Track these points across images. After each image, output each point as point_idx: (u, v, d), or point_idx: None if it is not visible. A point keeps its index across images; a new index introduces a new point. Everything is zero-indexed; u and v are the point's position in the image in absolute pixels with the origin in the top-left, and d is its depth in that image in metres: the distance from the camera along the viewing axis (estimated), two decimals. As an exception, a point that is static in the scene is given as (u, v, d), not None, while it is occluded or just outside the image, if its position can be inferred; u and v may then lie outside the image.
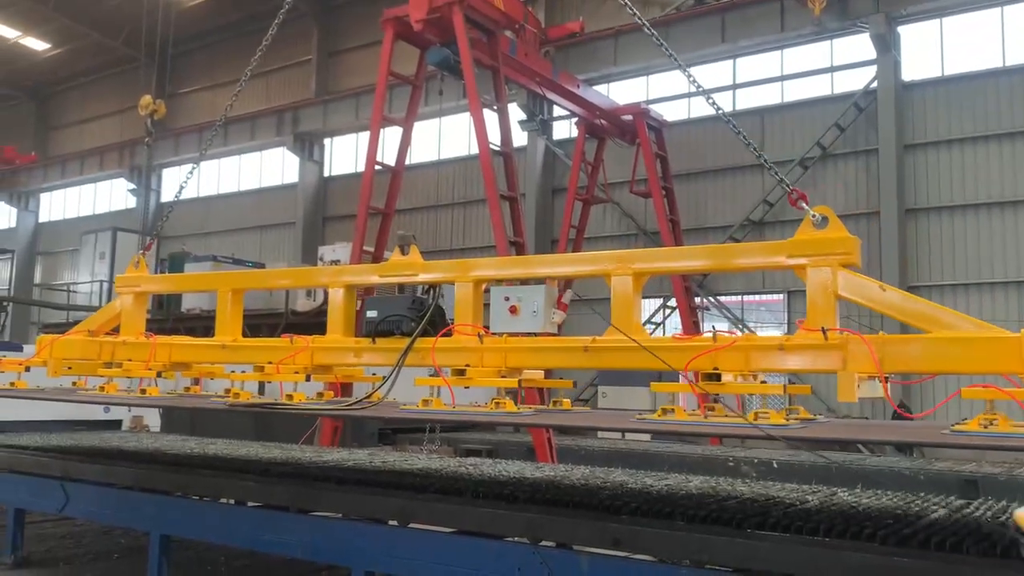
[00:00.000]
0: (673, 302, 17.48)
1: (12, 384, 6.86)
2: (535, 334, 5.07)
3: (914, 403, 13.88)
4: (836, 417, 15.30)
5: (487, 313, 5.31)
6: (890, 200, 16.16)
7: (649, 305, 19.04)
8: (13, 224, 33.52)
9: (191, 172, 7.73)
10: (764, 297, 17.88)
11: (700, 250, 5.40)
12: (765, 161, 5.35)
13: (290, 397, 5.50)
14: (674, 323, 17.91)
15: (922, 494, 5.32)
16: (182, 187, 7.80)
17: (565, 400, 5.49)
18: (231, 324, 6.15)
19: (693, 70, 19.57)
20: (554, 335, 5.15)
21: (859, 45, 17.31)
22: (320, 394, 5.62)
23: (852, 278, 4.25)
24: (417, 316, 5.26)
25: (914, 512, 4.43)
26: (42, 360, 6.61)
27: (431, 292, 5.49)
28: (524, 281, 5.69)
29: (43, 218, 33.80)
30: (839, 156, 17.20)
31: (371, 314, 5.41)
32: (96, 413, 11.43)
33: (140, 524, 7.08)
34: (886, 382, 4.08)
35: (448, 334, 5.19)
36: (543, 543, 4.94)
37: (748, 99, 18.69)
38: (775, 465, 10.84)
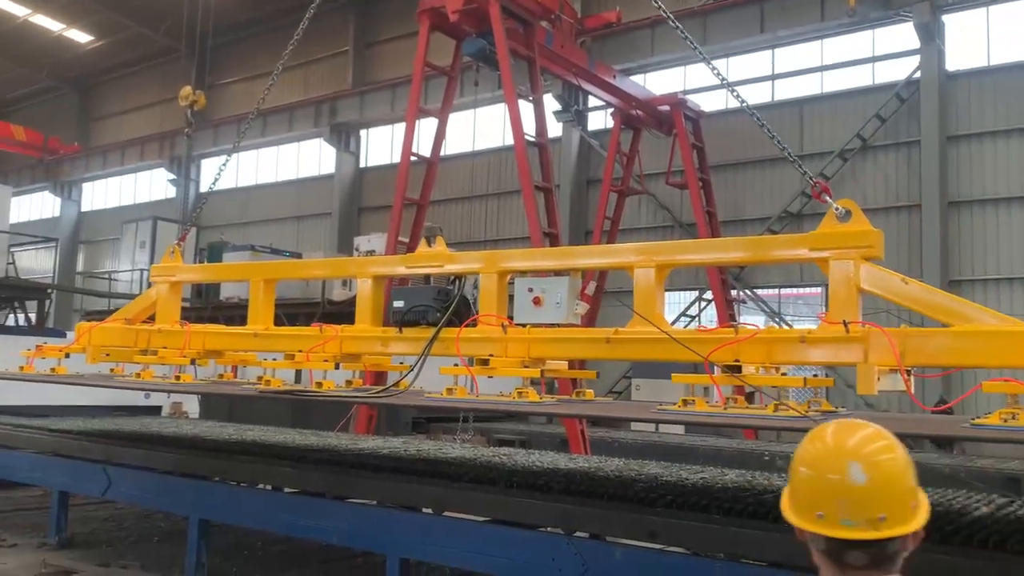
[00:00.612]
0: (709, 295, 17.35)
1: (53, 370, 7.02)
2: (558, 325, 5.10)
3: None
4: (874, 412, 15.08)
5: (511, 305, 5.33)
6: (932, 193, 15.86)
7: (684, 297, 18.92)
8: (57, 214, 34.18)
9: (225, 163, 7.88)
10: (802, 290, 17.68)
11: (723, 242, 5.40)
12: (789, 154, 5.33)
13: (320, 385, 5.59)
14: (709, 316, 17.77)
15: (963, 491, 5.25)
16: (216, 178, 7.93)
17: (588, 391, 5.52)
18: (263, 313, 6.28)
19: (731, 60, 19.36)
20: (577, 326, 5.16)
21: (902, 34, 16.98)
22: (349, 382, 5.70)
23: (874, 271, 4.25)
24: (443, 306, 5.33)
25: (956, 509, 4.36)
26: (81, 347, 6.77)
27: (456, 283, 5.53)
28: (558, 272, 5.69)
29: (85, 207, 34.43)
30: (879, 148, 16.92)
31: (397, 304, 5.50)
32: (136, 399, 11.64)
33: (179, 508, 7.21)
34: (908, 375, 4.06)
35: (473, 324, 5.24)
36: (577, 534, 4.96)
37: (787, 90, 18.44)
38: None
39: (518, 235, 20.39)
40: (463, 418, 12.45)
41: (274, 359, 6.10)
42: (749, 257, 5.37)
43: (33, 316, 16.92)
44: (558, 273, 5.25)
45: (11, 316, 16.91)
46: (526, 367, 4.99)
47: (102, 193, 33.99)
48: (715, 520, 4.50)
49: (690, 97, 17.19)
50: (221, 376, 6.75)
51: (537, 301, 5.05)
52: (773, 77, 18.63)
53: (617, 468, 6.16)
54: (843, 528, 1.68)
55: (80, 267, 33.03)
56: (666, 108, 16.50)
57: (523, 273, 5.30)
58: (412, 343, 5.41)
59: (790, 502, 1.81)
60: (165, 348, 6.45)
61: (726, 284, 16.36)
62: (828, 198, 4.47)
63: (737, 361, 4.32)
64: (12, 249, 17.96)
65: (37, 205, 36.23)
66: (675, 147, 16.80)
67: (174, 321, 6.73)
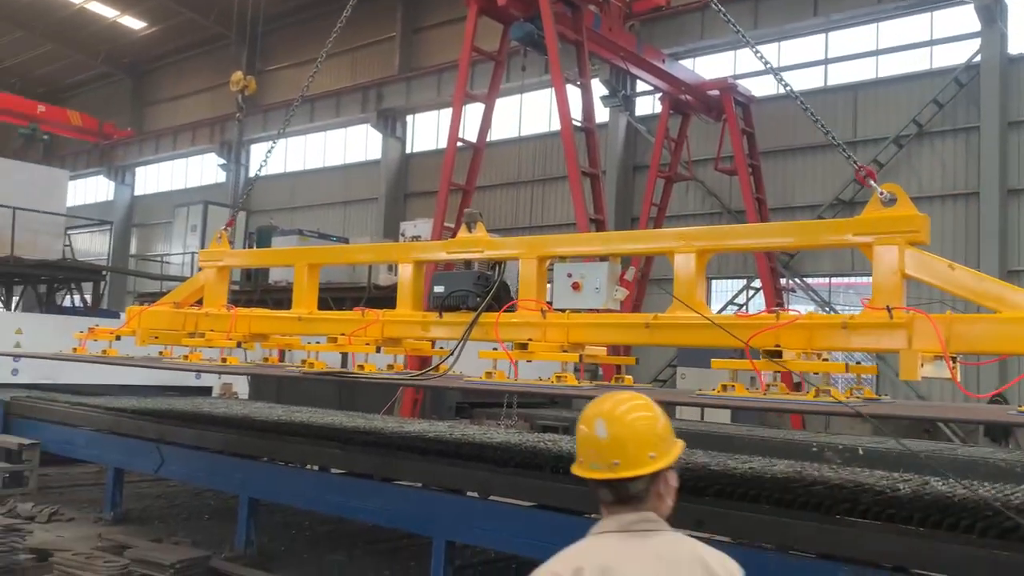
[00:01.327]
0: (757, 283, 17.13)
1: (104, 352, 7.20)
2: (598, 311, 5.08)
3: (985, 386, 13.21)
4: (919, 401, 14.77)
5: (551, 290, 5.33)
6: (991, 180, 15.38)
7: (732, 286, 18.69)
8: (111, 197, 34.97)
9: (271, 148, 8.00)
10: (853, 279, 17.33)
11: (764, 227, 5.34)
12: (833, 138, 5.24)
13: (361, 367, 5.68)
14: (758, 305, 17.53)
15: (1022, 486, 5.12)
16: (263, 163, 8.06)
17: (627, 377, 5.51)
18: (307, 297, 6.39)
19: (783, 44, 18.95)
20: (617, 312, 5.14)
21: (961, 17, 16.48)
22: (390, 367, 5.76)
23: (919, 256, 4.16)
24: (482, 291, 5.35)
25: (1015, 505, 4.24)
26: (131, 330, 6.93)
27: (496, 268, 5.55)
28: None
29: (138, 192, 35.14)
30: (936, 134, 16.46)
31: (438, 289, 5.54)
32: (187, 379, 11.89)
33: (229, 487, 7.35)
34: (954, 362, 3.97)
35: (512, 309, 5.25)
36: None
37: (840, 75, 18.02)
38: (861, 452, 10.51)
39: (564, 221, 20.33)
40: (506, 404, 12.46)
41: (317, 343, 6.19)
42: (791, 242, 5.35)
43: (89, 297, 17.34)
44: (601, 259, 5.23)
45: (68, 297, 17.37)
46: (565, 352, 5.00)
47: (154, 177, 34.66)
48: (764, 510, 4.46)
49: (740, 82, 16.92)
50: (267, 359, 6.87)
51: (576, 286, 5.05)
52: (826, 62, 18.23)
53: (663, 455, 6.12)
54: (591, 470, 2.13)
55: (133, 250, 33.77)
56: (716, 93, 16.29)
57: (563, 258, 5.28)
58: (452, 327, 5.44)
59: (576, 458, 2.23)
60: (212, 331, 6.59)
61: (775, 272, 16.13)
62: (873, 182, 4.42)
63: (778, 346, 4.26)
64: (68, 232, 18.40)
65: (92, 189, 37.10)
66: (724, 132, 16.57)
67: (221, 305, 6.88)
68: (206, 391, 12.21)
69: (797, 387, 4.77)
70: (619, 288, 5.09)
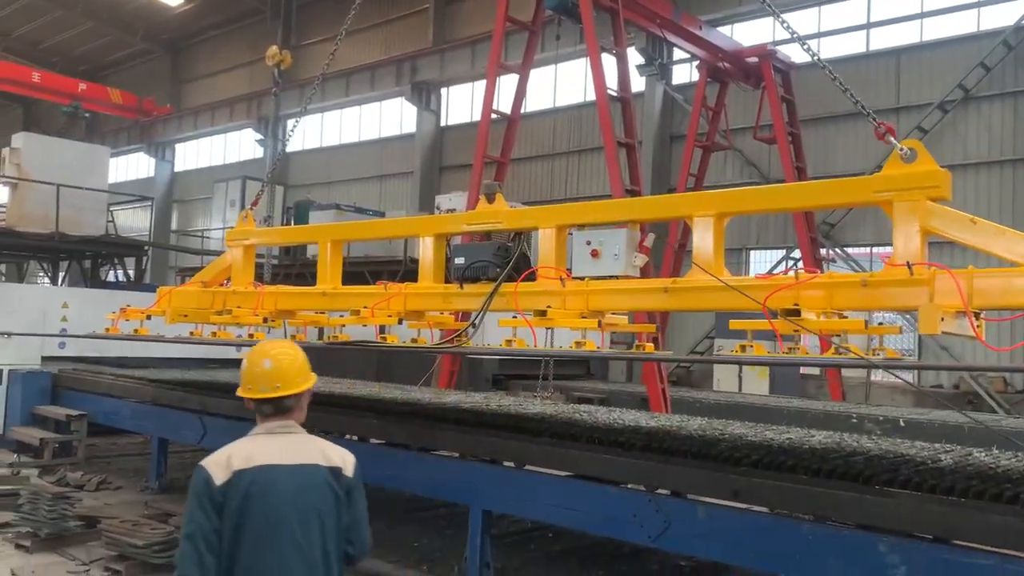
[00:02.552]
0: (797, 253, 16.88)
1: (136, 331, 7.35)
2: (617, 277, 5.06)
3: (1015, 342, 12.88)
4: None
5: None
6: (1041, 146, 14.98)
7: (771, 256, 18.45)
8: (152, 174, 35.45)
9: (294, 125, 8.11)
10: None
11: (783, 189, 5.25)
12: (851, 95, 5.19)
13: (384, 338, 5.75)
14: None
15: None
16: (289, 136, 8.11)
17: (648, 344, 5.52)
18: (331, 273, 6.46)
19: (823, 9, 18.51)
20: (636, 278, 5.11)
21: (1011, -24, 15.96)
22: (414, 340, 5.81)
23: (940, 211, 4.08)
24: (502, 262, 5.37)
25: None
26: (161, 309, 7.06)
27: (516, 239, 5.56)
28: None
29: (178, 168, 35.57)
30: (983, 99, 15.99)
31: (458, 261, 5.58)
32: (228, 352, 12.06)
33: (271, 457, 7.46)
34: (977, 318, 3.90)
35: (532, 278, 5.26)
36: (659, 491, 4.94)
37: (883, 39, 17.54)
38: (902, 423, 10.39)
39: (599, 193, 20.17)
40: (543, 375, 12.49)
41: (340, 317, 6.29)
42: (811, 203, 5.29)
43: (132, 272, 17.65)
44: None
45: (111, 272, 17.69)
46: (584, 319, 5.00)
47: (194, 153, 35.06)
48: (801, 480, 4.42)
49: (780, 48, 16.56)
50: (294, 337, 6.97)
51: (595, 254, 5.04)
52: (868, 26, 17.76)
53: (700, 427, 6.11)
54: (260, 392, 2.99)
55: (174, 225, 34.27)
56: (754, 60, 15.95)
57: (582, 227, 5.26)
58: (472, 298, 5.47)
59: (240, 386, 3.05)
60: (239, 308, 6.71)
61: (815, 242, 15.87)
62: (892, 139, 4.36)
63: (796, 306, 4.23)
64: (111, 208, 18.70)
65: (133, 165, 37.65)
66: (764, 100, 16.26)
67: (248, 283, 6.98)
68: (247, 364, 12.38)
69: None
70: (638, 254, 5.06)
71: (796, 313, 4.22)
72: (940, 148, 15.84)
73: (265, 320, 6.59)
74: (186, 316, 7.08)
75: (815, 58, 5.70)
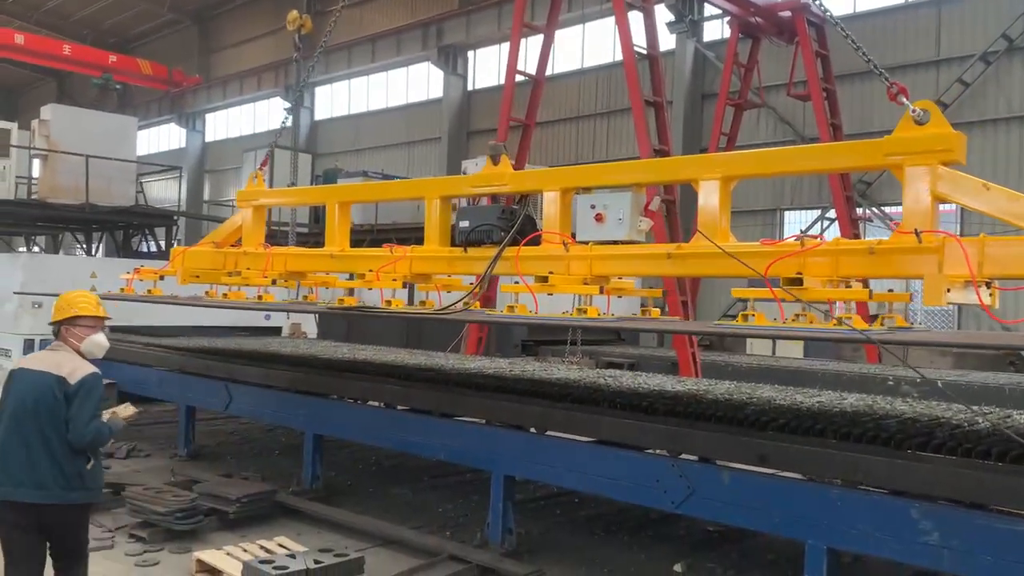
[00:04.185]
0: (832, 213, 16.48)
1: (149, 291, 7.39)
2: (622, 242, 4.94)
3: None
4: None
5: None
6: (1090, 97, 14.39)
7: (807, 217, 18.06)
8: (183, 144, 35.66)
9: (304, 82, 8.00)
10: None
11: (790, 152, 5.08)
12: (864, 54, 5.09)
13: (389, 303, 5.69)
14: (833, 236, 16.91)
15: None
16: (298, 96, 8.07)
17: (654, 310, 5.47)
18: (339, 235, 6.43)
19: (860, -41, 17.55)
20: (641, 243, 4.97)
21: (1060, -82, 15.22)
22: (423, 303, 5.74)
23: (952, 176, 3.93)
24: (507, 225, 5.29)
25: None
26: (174, 270, 7.10)
27: (522, 202, 5.48)
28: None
29: (209, 138, 35.73)
30: (1030, 49, 15.39)
31: (463, 224, 5.51)
32: (257, 319, 12.11)
33: (295, 423, 7.48)
34: (984, 287, 3.74)
35: (536, 242, 5.17)
36: (683, 456, 4.82)
37: (923, -11, 16.93)
38: (940, 385, 10.14)
39: (629, 155, 19.86)
40: (570, 341, 12.39)
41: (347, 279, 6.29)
42: (817, 166, 5.14)
43: (163, 243, 17.79)
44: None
45: (143, 242, 17.83)
46: (587, 285, 4.92)
47: (224, 123, 35.16)
48: (831, 444, 4.27)
49: (814, 2, 16.02)
50: (306, 298, 6.96)
51: (599, 218, 4.93)
52: (905, -21, 17.12)
53: (727, 391, 5.96)
54: (49, 322, 4.15)
55: (207, 195, 34.50)
56: (787, 14, 15.46)
57: (587, 190, 5.13)
58: (476, 262, 5.41)
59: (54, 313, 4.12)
60: (249, 269, 6.74)
61: (851, 201, 15.47)
62: (905, 99, 4.21)
63: (799, 274, 4.08)
64: (141, 180, 18.82)
65: (164, 137, 37.88)
66: (797, 56, 15.78)
67: (258, 244, 6.99)
68: (275, 331, 12.43)
69: (875, 320, 4.54)
70: (643, 219, 4.94)
71: (798, 282, 4.08)
72: (983, 102, 15.30)
73: (274, 282, 6.59)
74: (198, 277, 7.14)
75: (825, 12, 5.55)
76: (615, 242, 4.87)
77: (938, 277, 3.65)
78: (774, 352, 14.86)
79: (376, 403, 6.74)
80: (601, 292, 4.80)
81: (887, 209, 16.81)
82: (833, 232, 16.79)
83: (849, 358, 15.02)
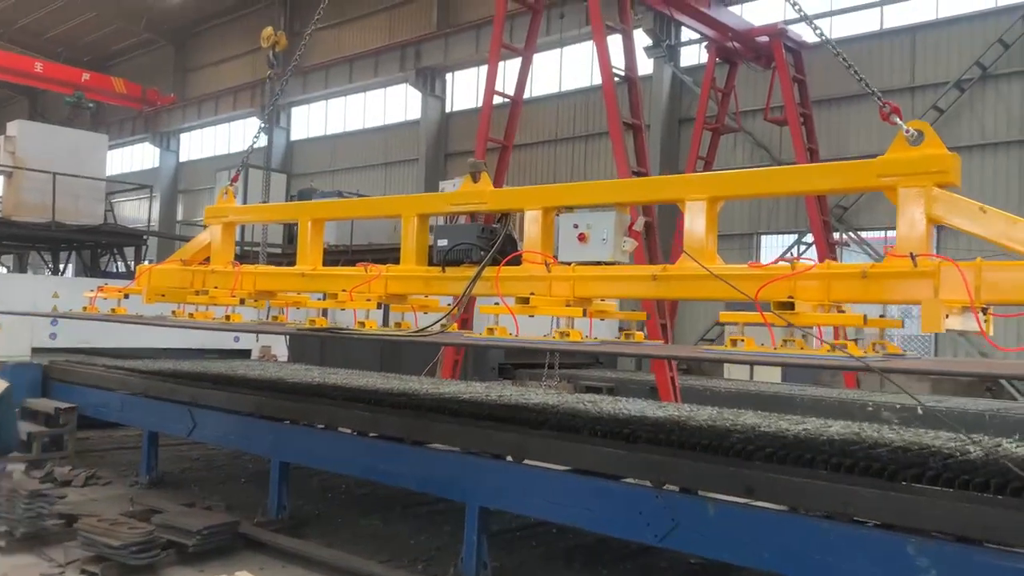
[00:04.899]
0: (809, 238, 16.47)
1: (113, 310, 7.12)
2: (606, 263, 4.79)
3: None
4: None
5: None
6: (1061, 125, 14.51)
7: (783, 241, 18.04)
8: (157, 164, 35.23)
9: (280, 90, 7.77)
10: (910, 232, 16.54)
11: (779, 172, 4.95)
12: (861, 79, 5.04)
13: (362, 324, 5.52)
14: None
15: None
16: (275, 100, 7.94)
17: (638, 333, 5.25)
18: (311, 253, 6.24)
19: (837, -15, 17.77)
20: (625, 264, 4.81)
21: (1031, -50, 15.42)
22: (398, 324, 5.53)
23: (948, 199, 3.81)
24: (487, 244, 5.13)
25: None
26: (140, 288, 6.85)
27: (502, 220, 5.32)
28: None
29: (183, 158, 35.34)
30: (1002, 77, 15.50)
31: (441, 243, 5.35)
32: (226, 341, 11.78)
33: (260, 450, 7.19)
34: (982, 313, 3.63)
35: (516, 262, 5.00)
36: (667, 487, 4.61)
37: (897, 17, 17.06)
38: (920, 411, 10.03)
39: (606, 178, 19.80)
40: (548, 364, 12.17)
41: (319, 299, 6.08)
42: (808, 187, 5.02)
43: (132, 263, 17.40)
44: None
45: (111, 262, 17.45)
46: (570, 306, 4.75)
47: (199, 143, 34.81)
48: (821, 475, 4.08)
49: (791, 27, 16.10)
50: (275, 318, 6.71)
51: (582, 238, 4.78)
52: (882, 3, 17.28)
53: (710, 417, 5.77)
54: None
55: (180, 216, 34.05)
56: (765, 39, 15.52)
57: (569, 209, 4.97)
58: (455, 282, 5.25)
59: None
60: (217, 288, 6.50)
61: (828, 226, 15.46)
62: (898, 119, 4.07)
63: (791, 298, 3.94)
64: (114, 199, 18.46)
65: (139, 156, 37.43)
66: (774, 81, 15.83)
67: (227, 262, 6.76)
68: (245, 354, 12.10)
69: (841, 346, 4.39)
70: (627, 239, 4.78)
71: (790, 306, 3.94)
72: (957, 128, 15.38)
73: (242, 301, 6.34)
74: (164, 296, 6.87)
75: (820, 35, 5.50)
76: (598, 263, 4.68)
77: (936, 303, 3.51)
78: (752, 377, 14.73)
79: (346, 429, 6.49)
80: (584, 315, 4.60)
81: (864, 234, 16.83)
82: (811, 257, 16.77)
83: (827, 383, 14.92)
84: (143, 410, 8.18)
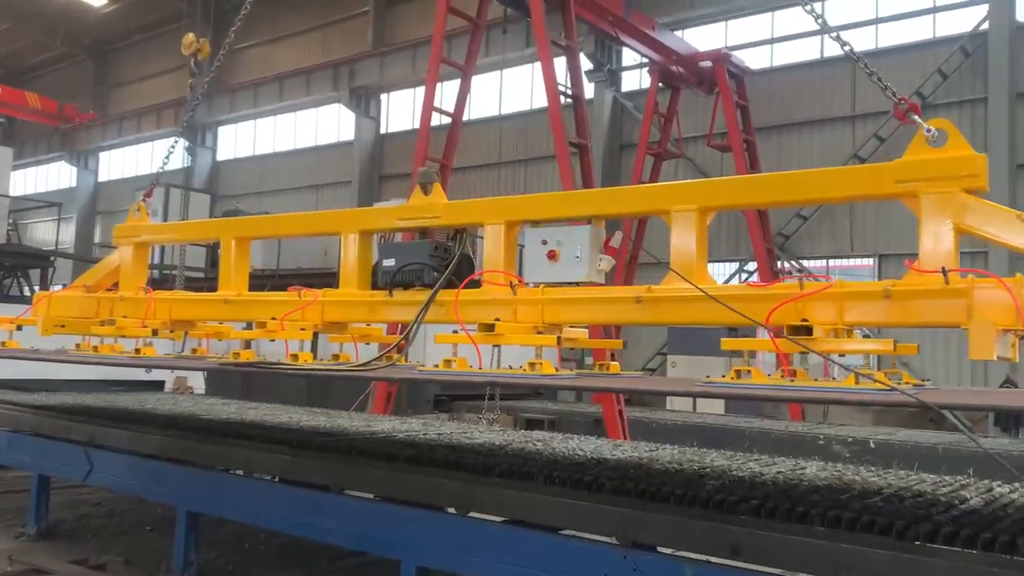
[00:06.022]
0: (751, 266, 16.25)
1: (3, 344, 6.20)
2: (578, 284, 4.21)
3: None
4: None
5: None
6: (1000, 155, 14.54)
7: (724, 269, 17.82)
8: (74, 184, 33.60)
9: (192, 113, 7.36)
10: (852, 262, 16.49)
11: (782, 178, 4.31)
12: (863, 63, 4.51)
13: (295, 357, 4.77)
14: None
15: None
16: (190, 113, 7.24)
17: (614, 364, 4.67)
18: (236, 277, 5.49)
19: (777, 15, 18.05)
20: (602, 285, 4.22)
21: (966, -17, 15.65)
22: (336, 356, 4.82)
23: (980, 206, 3.32)
24: (441, 265, 4.51)
25: None
26: (35, 318, 5.96)
27: (457, 237, 4.70)
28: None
29: (103, 177, 33.81)
30: (941, 106, 15.64)
31: (388, 263, 4.69)
32: (137, 374, 10.76)
33: (165, 497, 6.35)
34: (1021, 339, 3.16)
35: (476, 284, 4.39)
36: (635, 544, 3.99)
37: (838, 46, 17.11)
38: (872, 445, 9.67)
39: (547, 203, 19.38)
40: (488, 396, 11.52)
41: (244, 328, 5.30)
42: (815, 195, 4.47)
43: (38, 287, 16.18)
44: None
45: (14, 285, 16.21)
46: (540, 334, 4.12)
47: (119, 163, 33.36)
48: (818, 533, 3.52)
49: (734, 53, 15.97)
50: (195, 350, 5.90)
51: (552, 255, 4.17)
52: (822, 32, 17.32)
53: (673, 458, 5.19)
54: None
55: (98, 238, 32.45)
56: (708, 64, 15.33)
57: (536, 223, 4.39)
58: (404, 308, 4.58)
59: None
60: (125, 317, 5.66)
61: (772, 253, 15.25)
62: (916, 117, 3.63)
63: (805, 321, 3.43)
64: (22, 220, 17.22)
65: (54, 175, 35.70)
66: (717, 107, 15.64)
67: (138, 288, 5.94)
68: (158, 386, 11.12)
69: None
70: (604, 257, 4.19)
71: (807, 331, 3.39)
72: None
73: (155, 332, 5.50)
74: (63, 327, 5.97)
75: (844, 48, 4.78)
76: (572, 284, 4.07)
77: (988, 325, 2.98)
78: (695, 408, 14.33)
79: (264, 475, 5.71)
80: (558, 343, 3.96)
81: (806, 263, 16.69)
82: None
83: (771, 415, 14.60)
84: (32, 450, 7.24)
